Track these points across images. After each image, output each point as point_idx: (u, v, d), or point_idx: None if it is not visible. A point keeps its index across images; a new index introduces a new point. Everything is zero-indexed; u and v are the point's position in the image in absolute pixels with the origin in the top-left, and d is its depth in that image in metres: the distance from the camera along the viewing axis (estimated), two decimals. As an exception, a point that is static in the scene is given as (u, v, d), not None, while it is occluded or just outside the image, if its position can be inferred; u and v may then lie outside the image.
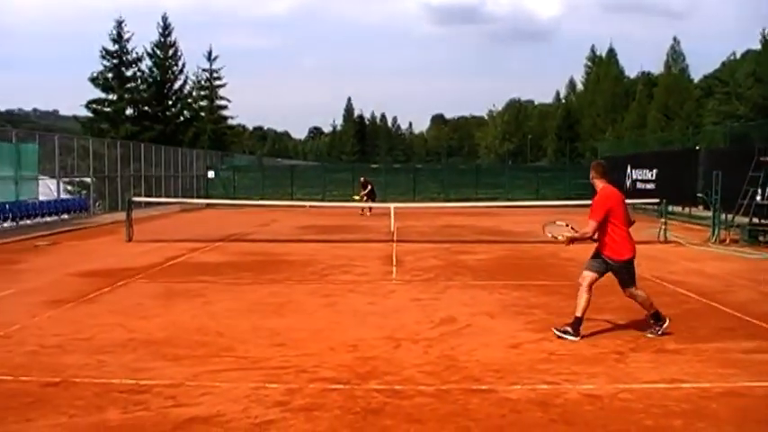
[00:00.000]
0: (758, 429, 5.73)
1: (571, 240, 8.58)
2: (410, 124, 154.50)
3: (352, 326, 9.19)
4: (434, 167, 65.17)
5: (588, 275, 8.31)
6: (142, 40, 63.87)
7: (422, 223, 25.61)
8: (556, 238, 8.87)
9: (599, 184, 8.44)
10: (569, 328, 8.26)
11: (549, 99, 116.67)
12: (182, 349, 7.91)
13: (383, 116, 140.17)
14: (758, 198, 19.36)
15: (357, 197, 32.17)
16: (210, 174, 45.16)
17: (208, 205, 36.40)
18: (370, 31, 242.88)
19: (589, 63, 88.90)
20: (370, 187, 32.11)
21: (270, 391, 6.41)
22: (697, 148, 28.02)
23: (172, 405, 6.06)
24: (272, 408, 6.00)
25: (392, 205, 22.93)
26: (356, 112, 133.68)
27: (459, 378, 6.86)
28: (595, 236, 8.23)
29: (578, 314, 8.25)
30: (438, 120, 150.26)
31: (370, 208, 29.51)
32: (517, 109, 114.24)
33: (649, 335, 8.38)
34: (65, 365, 7.24)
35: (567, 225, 8.91)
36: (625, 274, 8.32)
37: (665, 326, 8.40)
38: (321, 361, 7.42)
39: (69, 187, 32.90)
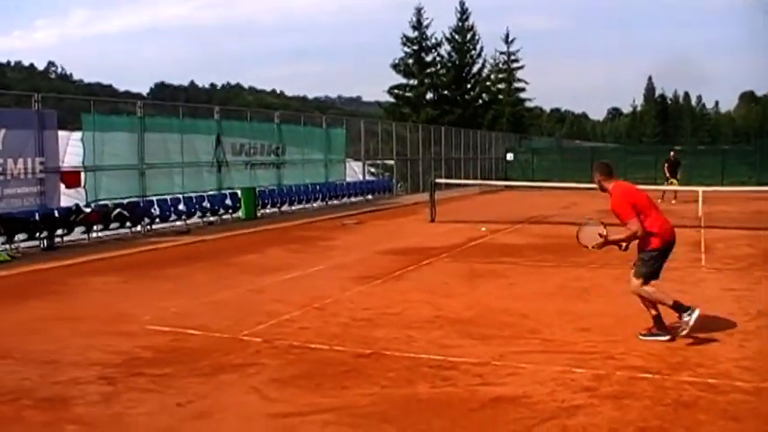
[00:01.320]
0: None
1: (606, 243, 7.54)
2: (716, 103, 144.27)
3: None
4: (744, 149, 60.32)
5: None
6: (441, 26, 65.57)
7: (732, 208, 23.79)
8: (587, 247, 7.80)
9: (608, 185, 7.61)
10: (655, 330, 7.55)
11: None
12: (487, 329, 7.95)
13: (686, 95, 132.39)
14: None
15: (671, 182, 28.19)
16: (509, 156, 45.48)
17: (506, 187, 36.53)
18: (671, 7, 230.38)
19: None
20: (668, 164, 28.44)
21: (576, 376, 6.24)
22: None
23: (479, 383, 6.08)
24: (580, 393, 5.84)
25: (700, 189, 21.58)
26: (657, 92, 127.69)
27: (781, 376, 6.24)
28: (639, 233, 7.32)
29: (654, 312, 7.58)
30: (747, 97, 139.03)
31: (675, 192, 27.07)
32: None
33: (641, 336, 7.52)
34: (375, 338, 7.57)
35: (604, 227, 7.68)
36: (643, 263, 7.47)
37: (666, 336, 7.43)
38: (629, 348, 7.11)
39: (373, 169, 34.69)
